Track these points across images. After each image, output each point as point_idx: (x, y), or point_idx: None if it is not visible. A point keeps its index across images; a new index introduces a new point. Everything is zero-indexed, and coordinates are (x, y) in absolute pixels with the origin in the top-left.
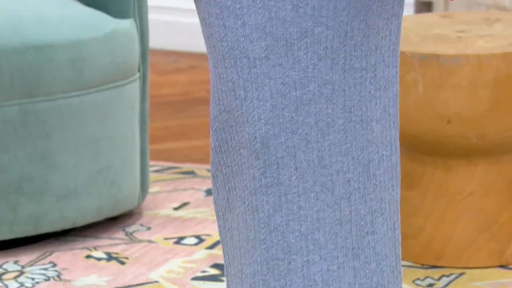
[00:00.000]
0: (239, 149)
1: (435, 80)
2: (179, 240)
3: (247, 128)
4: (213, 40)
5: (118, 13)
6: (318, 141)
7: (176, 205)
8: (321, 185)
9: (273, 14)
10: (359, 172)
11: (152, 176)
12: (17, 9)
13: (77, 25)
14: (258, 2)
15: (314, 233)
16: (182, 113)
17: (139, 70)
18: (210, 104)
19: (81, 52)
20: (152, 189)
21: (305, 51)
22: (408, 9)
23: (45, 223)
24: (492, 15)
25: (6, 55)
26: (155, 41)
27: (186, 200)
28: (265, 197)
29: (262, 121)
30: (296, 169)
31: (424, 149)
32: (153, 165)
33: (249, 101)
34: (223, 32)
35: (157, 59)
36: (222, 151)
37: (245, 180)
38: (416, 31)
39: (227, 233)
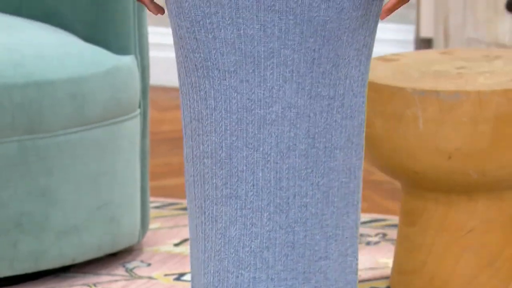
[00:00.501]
0: (203, 159)
1: (436, 116)
2: (179, 277)
3: (214, 138)
4: (185, 51)
5: (119, 49)
6: (277, 163)
7: (176, 241)
8: (276, 206)
9: (241, 32)
10: (317, 198)
11: (152, 212)
12: (18, 46)
13: (78, 61)
14: (227, 19)
15: (263, 252)
16: (182, 149)
17: (139, 106)
18: (182, 112)
19: (82, 88)
20: (152, 225)
21: (272, 71)
22: (408, 46)
23: (45, 260)
24: (492, 52)
25: (7, 92)
26: (156, 78)
27: (186, 236)
28: (224, 208)
29: (228, 132)
30: (253, 185)
31: (425, 185)
32: (154, 201)
33: (218, 111)
34: (195, 45)
35: (158, 96)
36: (187, 160)
37: (207, 189)
38: (416, 67)
39: (192, 244)
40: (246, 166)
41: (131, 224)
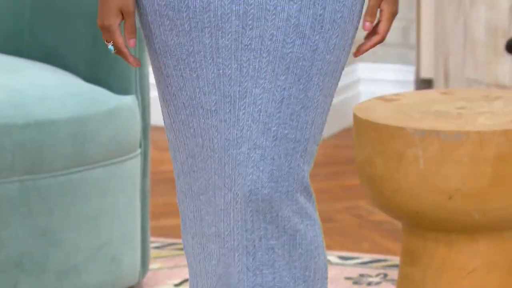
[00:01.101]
0: (199, 195)
1: (436, 156)
2: None
3: (204, 175)
4: (173, 89)
5: (120, 89)
6: (243, 204)
7: (177, 281)
8: (244, 248)
9: (221, 71)
10: (284, 241)
11: (152, 252)
12: (19, 86)
13: (79, 101)
14: (208, 58)
15: None
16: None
17: (140, 146)
18: (175, 150)
19: (82, 128)
20: (152, 265)
21: (244, 111)
22: (409, 86)
23: None
24: (492, 92)
25: (8, 132)
26: (157, 118)
27: (187, 277)
28: (213, 245)
29: (213, 170)
30: (228, 225)
31: (426, 225)
32: (154, 241)
33: (205, 149)
34: (182, 82)
35: (158, 136)
36: (187, 196)
37: (203, 226)
38: (416, 107)
39: (192, 280)
40: (224, 205)
41: (131, 264)
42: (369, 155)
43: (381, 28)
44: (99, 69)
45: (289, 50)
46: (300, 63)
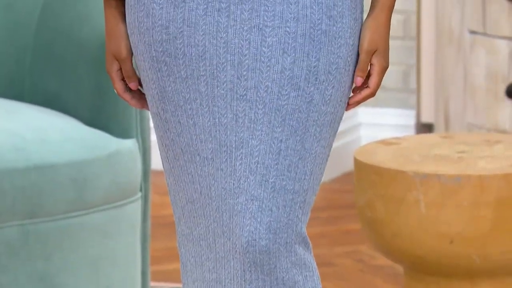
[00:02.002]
0: (200, 241)
1: (437, 200)
2: None
3: (203, 221)
4: (171, 134)
5: (120, 133)
6: (241, 255)
7: None
8: None
9: (216, 120)
10: None
11: None
12: (20, 130)
13: (80, 145)
14: (204, 106)
15: None
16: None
17: (140, 190)
18: (177, 194)
19: (83, 172)
20: None
21: (240, 161)
22: (409, 131)
23: None
24: (493, 136)
25: (8, 176)
26: (157, 161)
27: None
28: None
29: (212, 218)
30: (228, 273)
31: (427, 269)
32: (154, 286)
33: (203, 196)
34: (179, 128)
35: (159, 180)
36: (188, 240)
37: (204, 272)
38: (417, 151)
39: None
40: (224, 253)
41: None
42: (369, 199)
43: (372, 82)
44: (100, 113)
45: (285, 102)
46: (296, 115)
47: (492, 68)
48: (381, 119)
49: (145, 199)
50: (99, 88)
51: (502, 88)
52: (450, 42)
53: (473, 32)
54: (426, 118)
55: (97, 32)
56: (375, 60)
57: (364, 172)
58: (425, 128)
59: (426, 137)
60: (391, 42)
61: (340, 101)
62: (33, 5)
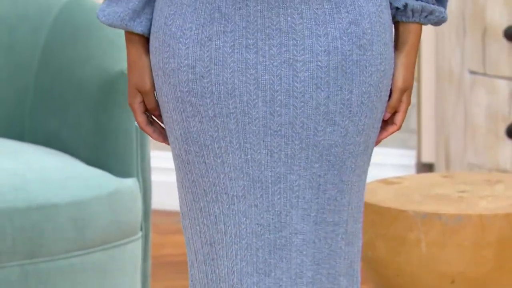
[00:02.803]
0: (220, 283)
1: (438, 239)
2: None
3: (226, 262)
4: (192, 176)
5: (121, 172)
6: None
7: None
8: None
9: (249, 156)
10: None
11: None
12: (20, 170)
13: (80, 184)
14: (234, 144)
15: None
16: (184, 274)
17: (141, 230)
18: (189, 238)
19: (83, 211)
20: None
21: (279, 196)
22: (410, 170)
23: None
24: (494, 176)
25: (9, 216)
26: (158, 201)
27: None
28: None
29: (239, 257)
30: None
31: None
32: None
33: (228, 235)
34: (204, 169)
35: (159, 220)
36: (201, 284)
37: None
38: (418, 190)
39: None
40: None
41: None
42: (371, 238)
43: (398, 119)
44: (100, 152)
45: (321, 138)
46: (333, 150)
47: (492, 108)
48: (382, 159)
49: (145, 238)
50: (99, 127)
51: (503, 128)
52: (450, 82)
53: (473, 72)
54: (426, 158)
55: (97, 72)
56: (404, 98)
57: (365, 212)
58: (425, 168)
59: (427, 176)
60: None
61: (373, 127)
62: (34, 46)
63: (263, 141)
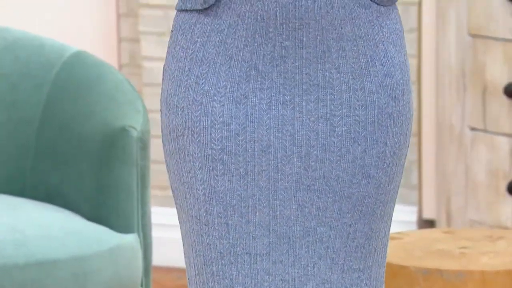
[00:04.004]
0: None
1: None
2: None
3: None
4: (208, 238)
5: (121, 228)
6: None
7: None
8: None
9: (277, 213)
10: None
11: None
12: (21, 226)
13: (81, 240)
14: (263, 201)
15: None
16: None
17: (141, 286)
18: None
19: (84, 267)
20: None
21: (307, 249)
22: (411, 227)
23: None
24: (495, 232)
25: (9, 272)
26: (158, 258)
27: None
28: None
29: None
30: None
31: None
32: None
33: None
34: (224, 230)
35: (160, 276)
36: None
37: None
38: (419, 246)
39: None
40: None
41: None
42: None
43: None
44: (101, 208)
45: (355, 190)
46: (366, 201)
47: (493, 165)
48: None
49: None
50: (100, 183)
51: (504, 185)
52: (451, 138)
53: (473, 129)
54: (427, 214)
55: (99, 128)
56: None
57: None
58: (427, 224)
59: (428, 232)
60: None
61: (400, 173)
62: (36, 103)
63: (294, 196)
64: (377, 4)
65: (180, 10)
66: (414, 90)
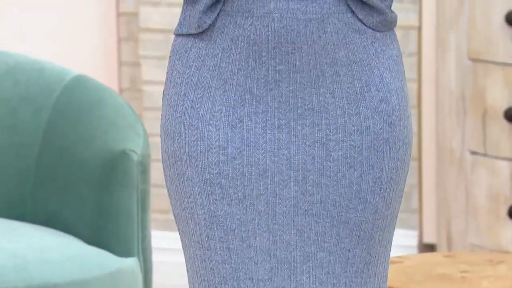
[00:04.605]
0: None
1: None
2: None
3: None
4: (212, 263)
5: (122, 252)
6: None
7: None
8: None
9: (277, 238)
10: None
11: None
12: (21, 250)
13: (81, 264)
14: (263, 226)
15: None
16: None
17: None
18: None
19: None
20: None
21: (308, 275)
22: (412, 251)
23: None
24: (496, 256)
25: None
26: (158, 282)
27: None
28: None
29: None
30: None
31: None
32: None
33: None
34: (226, 255)
35: None
36: None
37: None
38: (420, 270)
39: None
40: None
41: None
42: None
43: None
44: (101, 232)
45: (353, 215)
46: (363, 226)
47: (493, 189)
48: None
49: None
50: (100, 207)
51: (504, 209)
52: (451, 162)
53: (474, 153)
54: (428, 239)
55: (99, 152)
56: None
57: None
58: (427, 248)
59: (429, 256)
60: None
61: (398, 198)
62: (36, 127)
63: (293, 221)
64: (373, 29)
65: (177, 35)
66: (414, 114)
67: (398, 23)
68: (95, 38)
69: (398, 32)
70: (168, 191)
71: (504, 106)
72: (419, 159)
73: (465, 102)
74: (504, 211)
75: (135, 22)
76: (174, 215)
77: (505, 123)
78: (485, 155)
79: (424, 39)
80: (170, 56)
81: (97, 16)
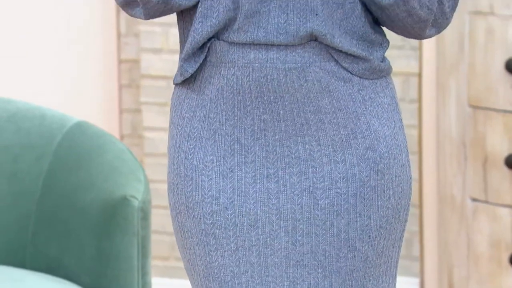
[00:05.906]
0: None
1: None
2: None
3: None
4: None
5: None
6: None
7: None
8: None
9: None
10: None
11: None
12: None
13: None
14: (256, 278)
15: None
16: None
17: None
18: None
19: None
20: None
21: None
22: None
23: None
24: None
25: None
26: None
27: None
28: None
29: None
30: None
31: None
32: None
33: None
34: None
35: None
36: None
37: None
38: None
39: None
40: None
41: None
42: None
43: None
44: (102, 279)
45: (343, 264)
46: (354, 274)
47: (495, 236)
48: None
49: None
50: (101, 253)
51: (506, 256)
52: (452, 209)
53: (475, 200)
54: (430, 286)
55: (99, 198)
56: None
57: None
58: None
59: None
60: None
61: (393, 247)
62: (37, 174)
63: (286, 272)
64: (359, 77)
65: (175, 85)
66: (414, 160)
67: (399, 69)
68: (96, 84)
69: (398, 78)
70: (177, 244)
71: (505, 153)
72: (420, 206)
73: (466, 148)
74: (506, 258)
75: (136, 69)
76: (184, 267)
77: (506, 170)
78: (486, 202)
79: (425, 85)
80: (170, 110)
81: (98, 63)
